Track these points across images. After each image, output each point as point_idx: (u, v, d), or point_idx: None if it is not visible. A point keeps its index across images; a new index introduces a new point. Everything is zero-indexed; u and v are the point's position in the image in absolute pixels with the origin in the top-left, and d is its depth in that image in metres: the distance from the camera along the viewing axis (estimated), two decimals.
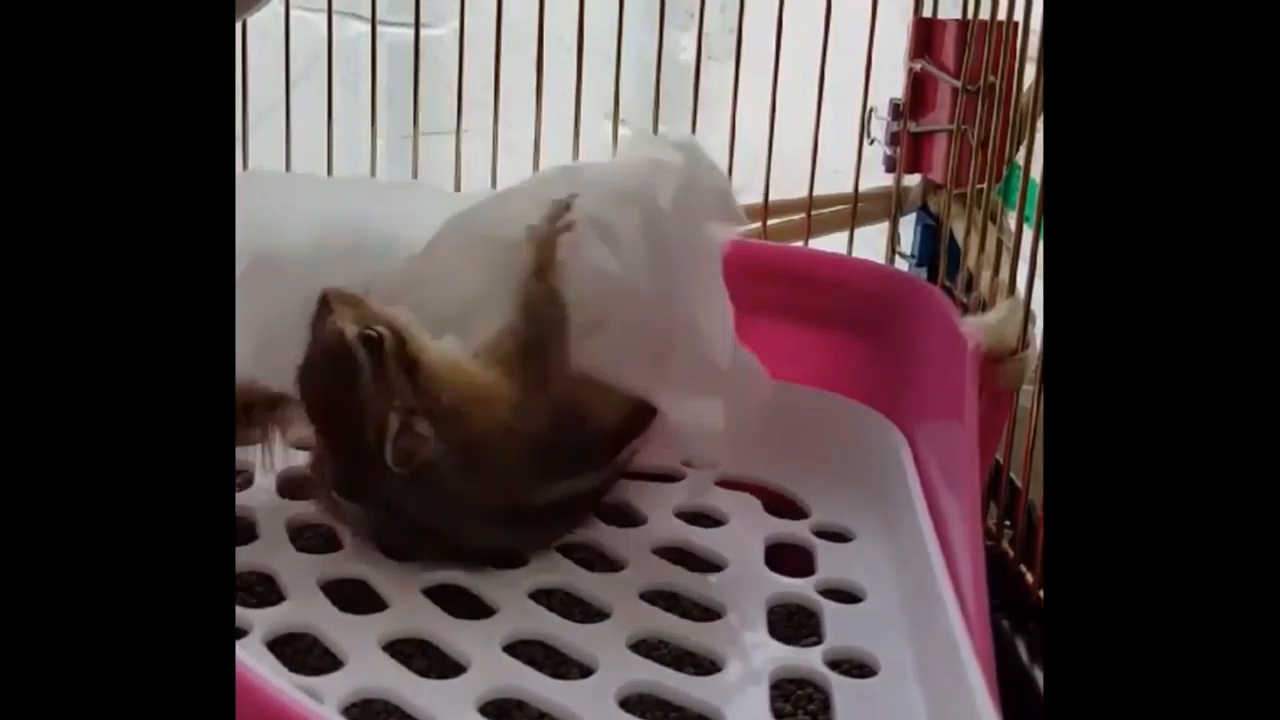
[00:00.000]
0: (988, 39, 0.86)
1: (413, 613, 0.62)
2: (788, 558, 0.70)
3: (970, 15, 0.87)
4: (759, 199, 0.91)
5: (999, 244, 0.83)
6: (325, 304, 0.63)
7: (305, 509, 0.69)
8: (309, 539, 0.68)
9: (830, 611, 0.64)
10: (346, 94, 0.91)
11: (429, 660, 0.59)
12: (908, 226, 0.98)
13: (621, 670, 0.58)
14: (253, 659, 0.54)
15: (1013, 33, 0.84)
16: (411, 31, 0.88)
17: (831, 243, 0.96)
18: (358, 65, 0.92)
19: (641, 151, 0.71)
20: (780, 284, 0.80)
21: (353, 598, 0.63)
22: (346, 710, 0.55)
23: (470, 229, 0.69)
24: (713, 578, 0.67)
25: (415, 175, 0.90)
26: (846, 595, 0.66)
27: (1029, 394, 0.74)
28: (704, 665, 0.60)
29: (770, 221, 0.94)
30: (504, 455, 0.64)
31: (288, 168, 0.89)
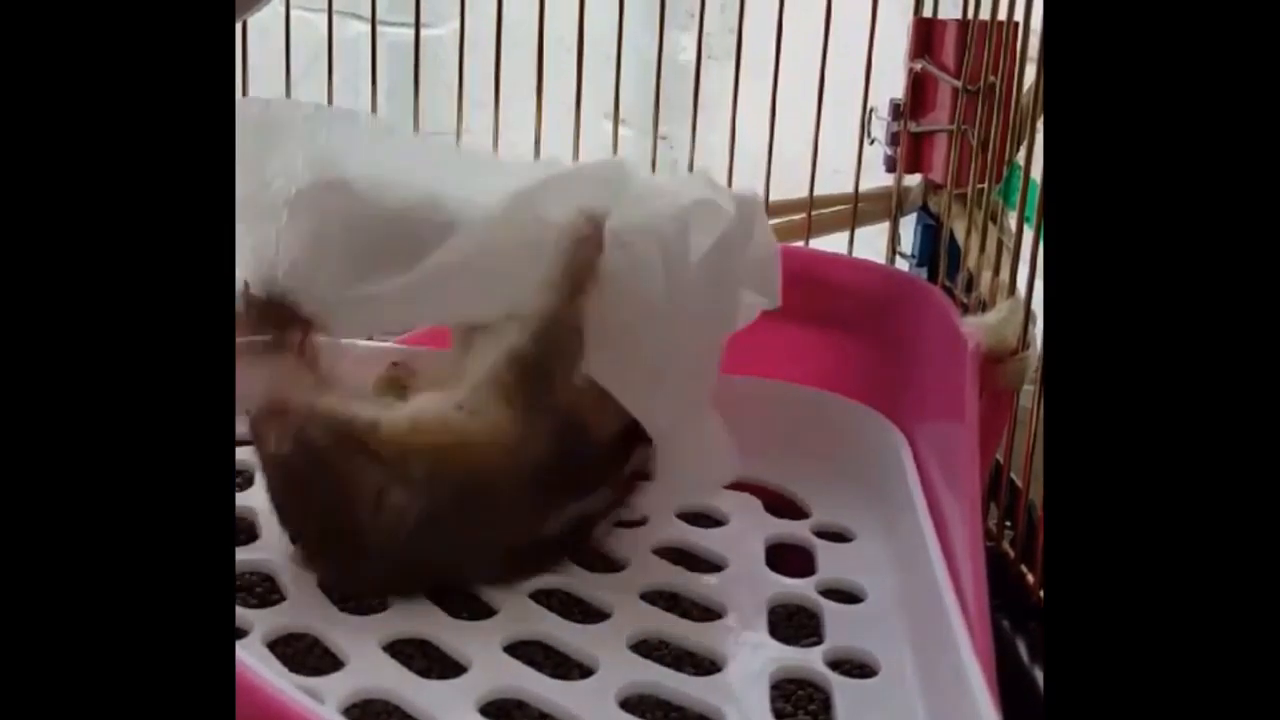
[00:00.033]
0: (988, 39, 0.86)
1: (413, 613, 0.62)
2: (788, 558, 0.70)
3: (970, 15, 0.87)
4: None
5: (999, 244, 0.83)
6: (256, 424, 0.62)
7: None
8: None
9: (830, 612, 0.64)
10: (346, 94, 0.91)
11: (429, 660, 0.59)
12: (908, 227, 0.98)
13: (622, 670, 0.58)
14: (253, 659, 0.54)
15: (1013, 33, 0.84)
16: (411, 31, 0.88)
17: (832, 243, 0.96)
18: (358, 65, 0.92)
19: (699, 190, 0.67)
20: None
21: (353, 598, 0.63)
22: (347, 710, 0.55)
23: (532, 206, 0.67)
24: (713, 578, 0.67)
25: None
26: (847, 595, 0.66)
27: (1029, 394, 0.74)
28: (704, 665, 0.60)
29: (770, 222, 0.93)
30: (504, 493, 0.62)
31: None
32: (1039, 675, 0.67)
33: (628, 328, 0.65)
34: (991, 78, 0.87)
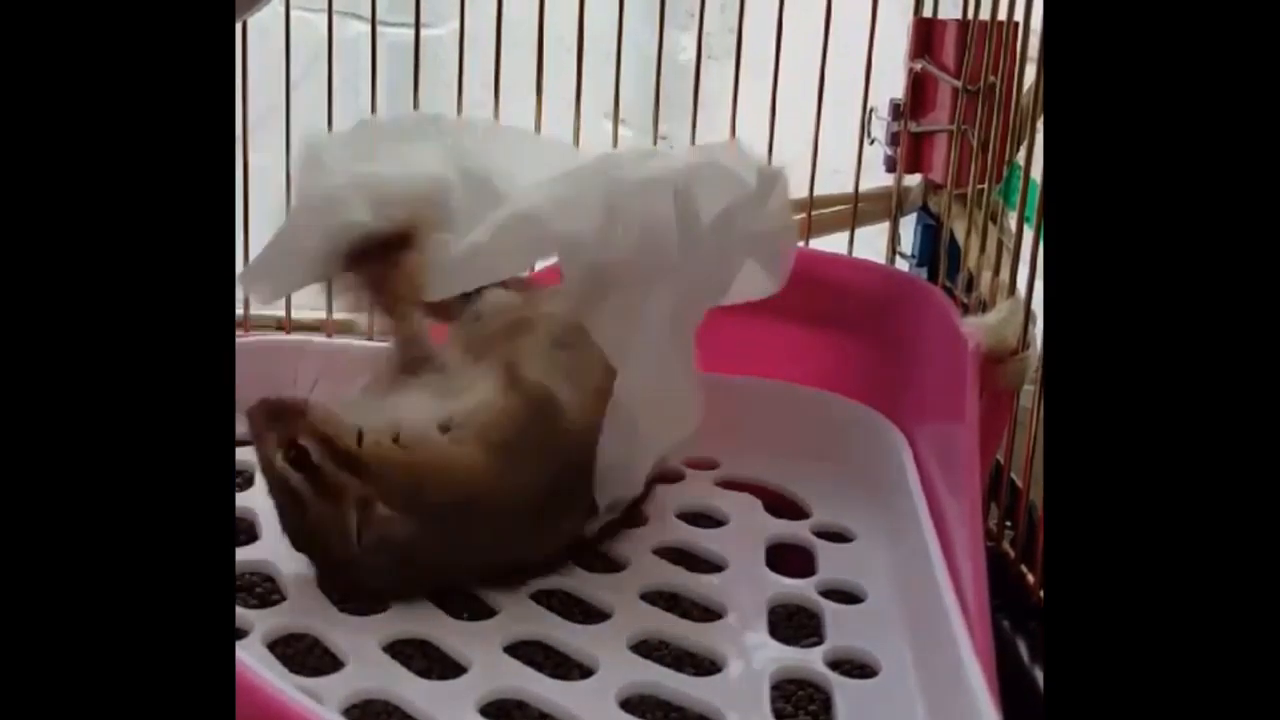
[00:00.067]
0: (988, 39, 0.86)
1: (413, 613, 0.62)
2: (788, 558, 0.70)
3: (970, 15, 0.87)
4: None
5: (999, 244, 0.83)
6: (253, 422, 0.62)
7: None
8: None
9: (831, 612, 0.64)
10: (346, 94, 0.91)
11: (429, 661, 0.59)
12: (908, 227, 0.98)
13: (622, 671, 0.58)
14: (253, 659, 0.54)
15: (1013, 33, 0.84)
16: (411, 31, 0.88)
17: (832, 243, 0.96)
18: (358, 65, 0.92)
19: (722, 156, 0.67)
20: None
21: (353, 598, 0.63)
22: (347, 711, 0.55)
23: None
24: (713, 578, 0.67)
25: None
26: (847, 596, 0.66)
27: (1029, 394, 0.74)
28: (704, 666, 0.60)
29: None
30: (489, 517, 0.62)
31: (288, 168, 0.89)
32: (1039, 675, 0.67)
33: (631, 278, 0.65)
34: (991, 78, 0.87)
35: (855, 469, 0.76)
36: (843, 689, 0.58)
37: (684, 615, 0.64)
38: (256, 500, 0.70)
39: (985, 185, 0.86)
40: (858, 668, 0.60)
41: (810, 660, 0.60)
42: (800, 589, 0.66)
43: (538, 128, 0.89)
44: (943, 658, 0.56)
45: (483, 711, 0.55)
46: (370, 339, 0.81)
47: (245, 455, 0.75)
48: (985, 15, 0.86)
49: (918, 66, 0.93)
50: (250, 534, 0.68)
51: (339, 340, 0.85)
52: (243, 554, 0.65)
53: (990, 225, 0.85)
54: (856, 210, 0.94)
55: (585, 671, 0.59)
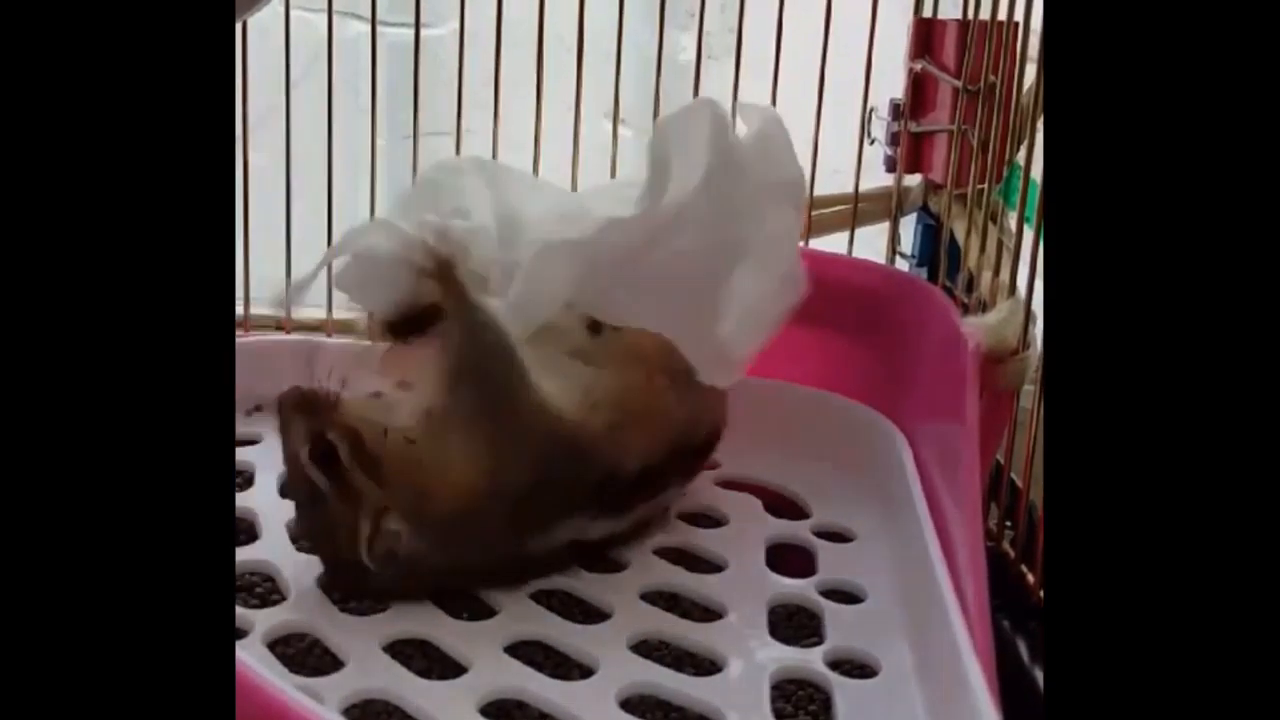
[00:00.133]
0: (988, 39, 0.86)
1: (413, 613, 0.62)
2: (788, 558, 0.70)
3: (970, 15, 0.87)
4: None
5: (999, 244, 0.83)
6: (282, 413, 0.62)
7: None
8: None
9: (831, 612, 0.64)
10: (346, 94, 0.91)
11: (429, 661, 0.59)
12: (908, 227, 0.98)
13: (622, 671, 0.58)
14: (253, 659, 0.54)
15: (1013, 33, 0.84)
16: (411, 31, 0.88)
17: (832, 243, 0.96)
18: (358, 65, 0.92)
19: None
20: None
21: (353, 598, 0.63)
22: (347, 711, 0.55)
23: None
24: (713, 578, 0.67)
25: (415, 175, 0.90)
26: (847, 596, 0.66)
27: (1029, 394, 0.74)
28: (705, 666, 0.60)
29: None
30: (480, 521, 0.62)
31: (288, 168, 0.89)
32: (1039, 675, 0.67)
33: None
34: (991, 78, 0.87)
35: (855, 469, 0.76)
36: (843, 689, 0.58)
37: (684, 615, 0.64)
38: (256, 500, 0.71)
39: (985, 185, 0.86)
40: (858, 668, 0.60)
41: (810, 660, 0.60)
42: (800, 589, 0.66)
43: (537, 127, 0.89)
44: (943, 658, 0.56)
45: (483, 711, 0.55)
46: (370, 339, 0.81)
47: (245, 455, 0.75)
48: (985, 15, 0.86)
49: (918, 66, 0.93)
50: (250, 534, 0.68)
51: (339, 340, 0.85)
52: (243, 554, 0.65)
53: (990, 225, 0.85)
54: (856, 210, 0.94)
55: (585, 671, 0.59)
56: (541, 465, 0.63)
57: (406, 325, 0.67)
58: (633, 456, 0.66)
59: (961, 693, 0.53)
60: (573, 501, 0.65)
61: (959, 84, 0.88)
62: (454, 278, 0.64)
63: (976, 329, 0.73)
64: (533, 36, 0.88)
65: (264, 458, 0.75)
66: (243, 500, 0.70)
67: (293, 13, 0.88)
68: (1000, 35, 0.86)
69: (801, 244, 0.93)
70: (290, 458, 0.62)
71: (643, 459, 0.67)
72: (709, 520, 0.73)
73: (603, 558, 0.67)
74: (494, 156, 0.89)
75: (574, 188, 0.90)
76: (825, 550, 0.70)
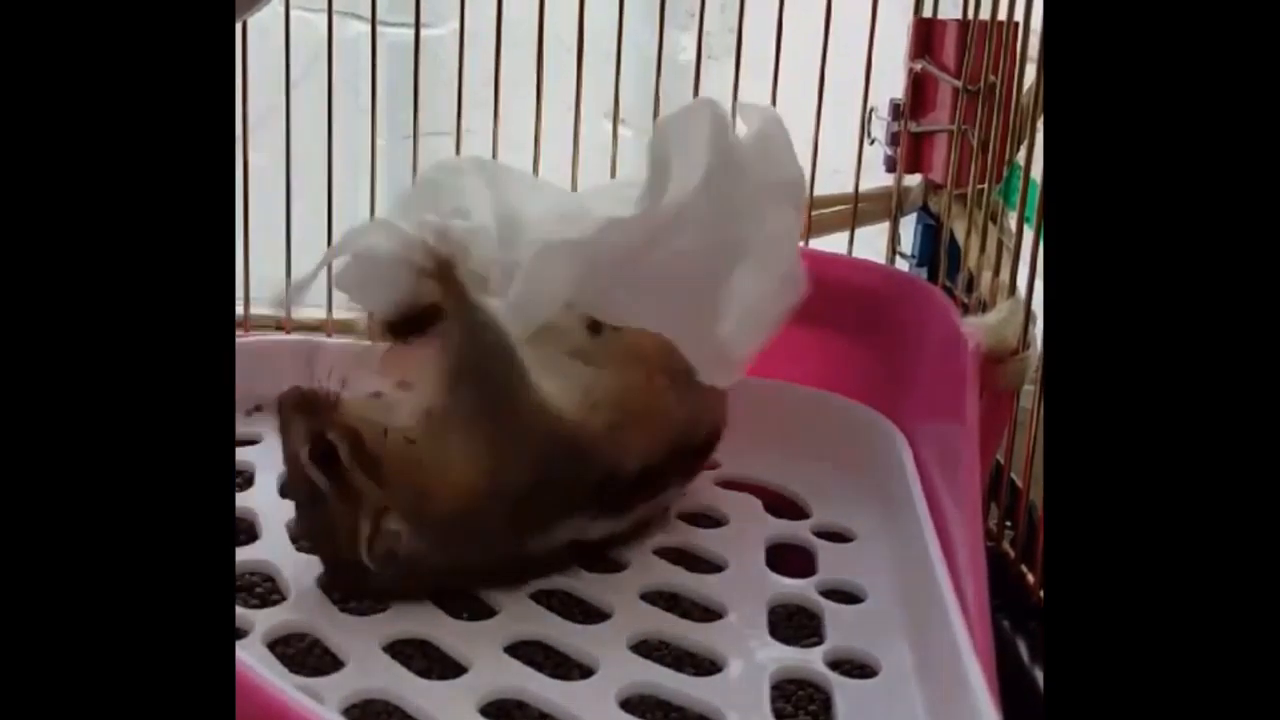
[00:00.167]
0: (988, 39, 0.86)
1: (413, 613, 0.62)
2: (788, 558, 0.70)
3: (970, 15, 0.87)
4: None
5: (999, 244, 0.83)
6: (282, 413, 0.61)
7: None
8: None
9: (831, 612, 0.64)
10: (346, 94, 0.91)
11: (429, 661, 0.59)
12: (908, 227, 0.98)
13: (622, 671, 0.58)
14: (253, 659, 0.54)
15: (1013, 33, 0.84)
16: (411, 31, 0.88)
17: (832, 243, 0.96)
18: (358, 65, 0.92)
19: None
20: None
21: (353, 598, 0.63)
22: (347, 711, 0.55)
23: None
24: (713, 578, 0.67)
25: (415, 175, 0.90)
26: (847, 596, 0.66)
27: (1029, 394, 0.74)
28: (704, 666, 0.60)
29: None
30: (480, 521, 0.62)
31: (288, 168, 0.89)
32: (1039, 675, 0.67)
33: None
34: (991, 78, 0.87)
35: (855, 469, 0.76)
36: (843, 689, 0.58)
37: (684, 615, 0.64)
38: (256, 500, 0.71)
39: (985, 185, 0.86)
40: (858, 668, 0.60)
41: (810, 660, 0.60)
42: (800, 589, 0.66)
43: (537, 127, 0.89)
44: (943, 658, 0.56)
45: (483, 711, 0.55)
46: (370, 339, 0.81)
47: (245, 455, 0.75)
48: (985, 15, 0.86)
49: (918, 66, 0.93)
50: (250, 534, 0.68)
51: (339, 340, 0.85)
52: (243, 554, 0.65)
53: (990, 225, 0.85)
54: (856, 210, 0.94)
55: (585, 671, 0.59)
56: (541, 465, 0.63)
57: (406, 325, 0.67)
58: (633, 456, 0.66)
59: (961, 693, 0.53)
60: (573, 501, 0.65)
61: (959, 84, 0.88)
62: (454, 278, 0.64)
63: (976, 329, 0.73)
64: (533, 36, 0.88)
65: (264, 458, 0.75)
66: (243, 500, 0.70)
67: (293, 13, 0.88)
68: (1000, 35, 0.86)
69: (801, 244, 0.93)
70: (290, 458, 0.62)
71: (643, 459, 0.67)
72: (709, 520, 0.73)
73: (603, 558, 0.67)
74: (494, 156, 0.89)
75: (574, 188, 0.90)
76: (825, 550, 0.70)
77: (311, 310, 0.91)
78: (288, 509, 0.70)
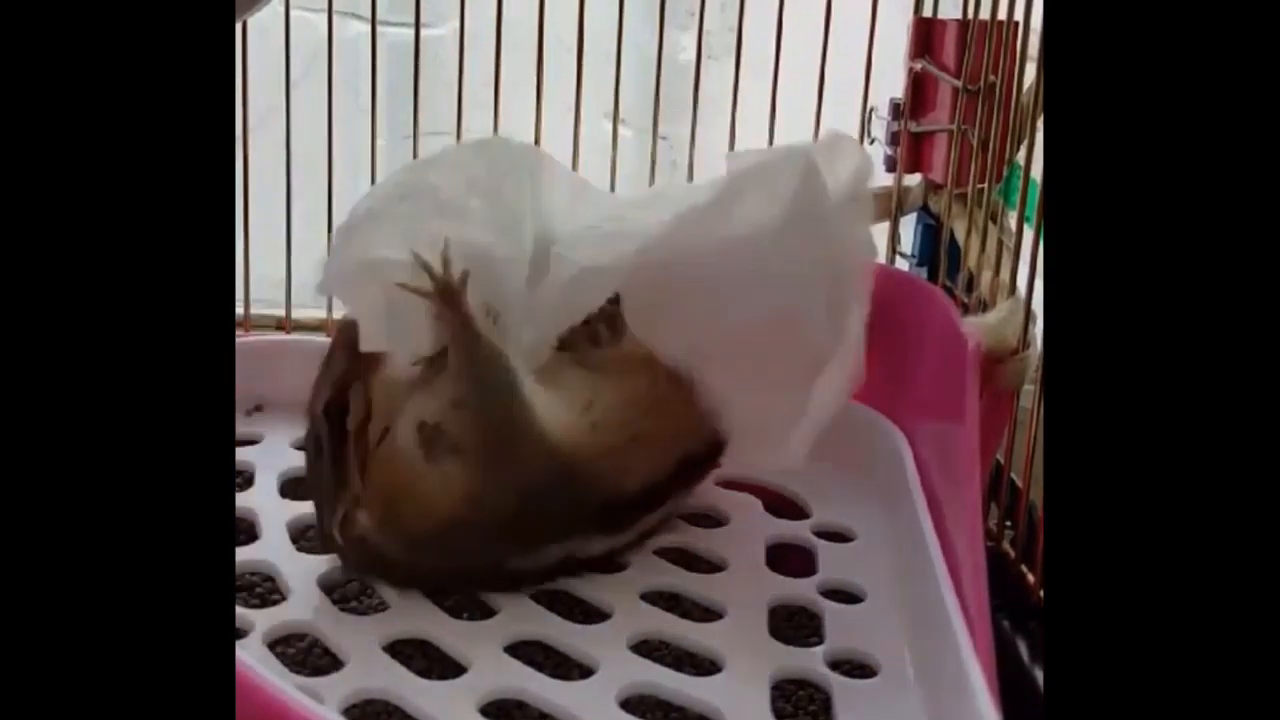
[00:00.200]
0: (988, 39, 0.86)
1: (413, 613, 0.62)
2: (788, 558, 0.70)
3: (970, 15, 0.87)
4: None
5: (999, 244, 0.83)
6: (335, 340, 0.61)
7: (306, 509, 0.69)
8: (310, 539, 0.68)
9: (831, 612, 0.64)
10: (346, 94, 0.91)
11: (429, 661, 0.59)
12: (908, 226, 0.98)
13: (622, 671, 0.58)
14: (253, 659, 0.54)
15: (1013, 33, 0.84)
16: (411, 31, 0.88)
17: None
18: (358, 65, 0.92)
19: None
20: None
21: (353, 598, 0.63)
22: (347, 710, 0.55)
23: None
24: (713, 578, 0.67)
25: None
26: (847, 595, 0.66)
27: (1029, 394, 0.74)
28: (705, 666, 0.60)
29: None
30: (456, 539, 0.62)
31: (288, 168, 0.89)
32: (1039, 675, 0.67)
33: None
34: (991, 78, 0.87)
35: (855, 469, 0.76)
36: (843, 689, 0.58)
37: (684, 615, 0.64)
38: (256, 500, 0.71)
39: (985, 185, 0.86)
40: (858, 668, 0.60)
41: (810, 660, 0.60)
42: (800, 589, 0.66)
43: (538, 128, 0.89)
44: (943, 658, 0.56)
45: (483, 711, 0.55)
46: None
47: (245, 455, 0.75)
48: (985, 15, 0.86)
49: (918, 66, 0.93)
50: (250, 534, 0.68)
51: None
52: (243, 554, 0.65)
53: (990, 225, 0.85)
54: None
55: (585, 671, 0.59)
56: (529, 494, 0.62)
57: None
58: (634, 477, 0.66)
59: (961, 693, 0.53)
60: (568, 525, 0.64)
61: (959, 84, 0.88)
62: (460, 307, 0.62)
63: (976, 329, 0.73)
64: (533, 36, 0.88)
65: (264, 458, 0.75)
66: (243, 500, 0.70)
67: (293, 13, 0.88)
68: (1000, 35, 0.86)
69: None
70: (312, 398, 0.62)
71: (645, 478, 0.66)
72: (709, 520, 0.73)
73: (604, 568, 0.67)
74: None
75: None
76: (825, 550, 0.70)
77: (312, 310, 0.91)
78: (288, 509, 0.70)
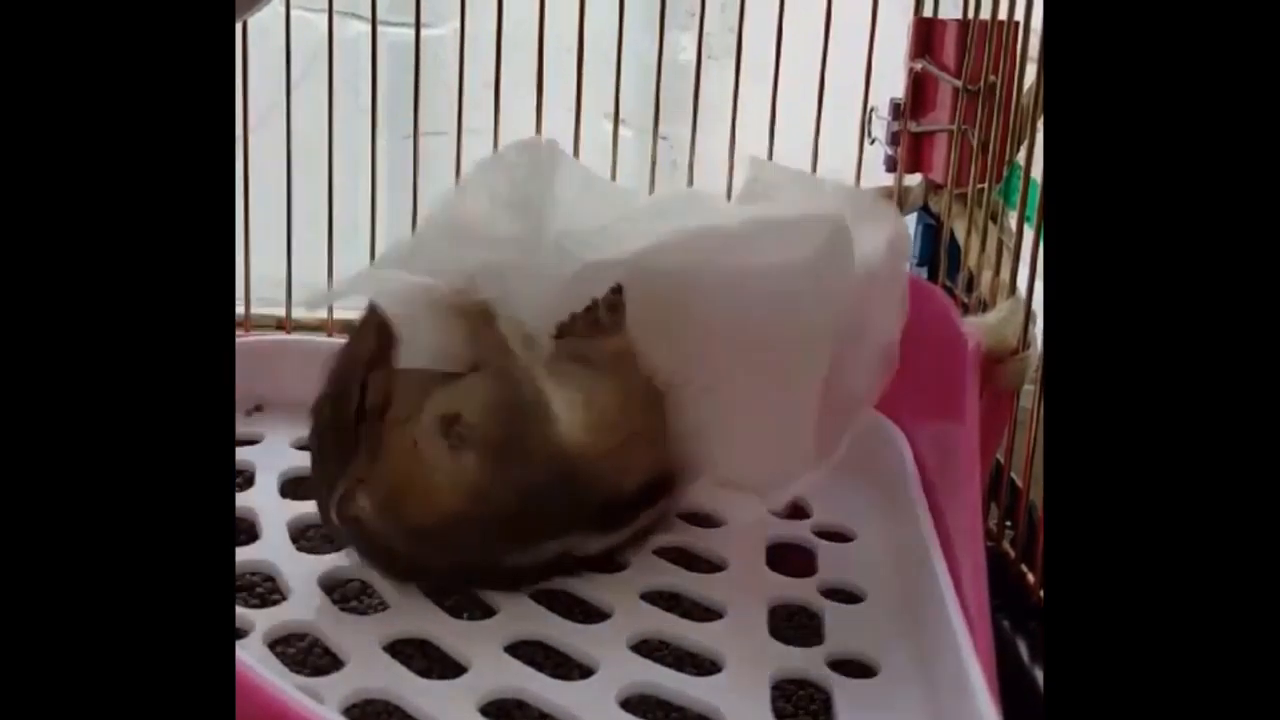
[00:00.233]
0: (988, 39, 0.86)
1: (413, 613, 0.62)
2: (788, 558, 0.70)
3: (970, 15, 0.87)
4: None
5: (999, 244, 0.83)
6: (366, 315, 0.61)
7: (306, 509, 0.69)
8: (310, 539, 0.68)
9: (831, 612, 0.64)
10: (346, 94, 0.91)
11: (429, 660, 0.59)
12: (908, 226, 0.98)
13: (622, 671, 0.58)
14: (253, 659, 0.54)
15: (1013, 33, 0.84)
16: (412, 31, 0.88)
17: None
18: (358, 65, 0.92)
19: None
20: None
21: (353, 598, 0.63)
22: (347, 710, 0.55)
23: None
24: (713, 578, 0.67)
25: (415, 175, 0.90)
26: (847, 595, 0.66)
27: (1029, 394, 0.74)
28: (705, 666, 0.60)
29: None
30: (452, 536, 0.62)
31: (288, 168, 0.89)
32: (1039, 675, 0.67)
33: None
34: (991, 78, 0.87)
35: (855, 469, 0.76)
36: (843, 689, 0.58)
37: (684, 615, 0.64)
38: (256, 500, 0.71)
39: (985, 185, 0.86)
40: (858, 668, 0.60)
41: (810, 660, 0.60)
42: (800, 589, 0.66)
43: (538, 128, 0.89)
44: (943, 658, 0.56)
45: (483, 711, 0.55)
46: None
47: (245, 455, 0.75)
48: (985, 15, 0.86)
49: (918, 66, 0.93)
50: (250, 534, 0.68)
51: (340, 340, 0.85)
52: (243, 554, 0.65)
53: (990, 225, 0.85)
54: None
55: (585, 671, 0.59)
56: (532, 494, 0.62)
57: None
58: (634, 475, 0.66)
59: (961, 693, 0.53)
60: (569, 524, 0.64)
61: (959, 84, 0.88)
62: (493, 327, 0.64)
63: (976, 329, 0.73)
64: (533, 37, 0.88)
65: (264, 458, 0.75)
66: (243, 500, 0.70)
67: (293, 13, 0.88)
68: (1000, 35, 0.86)
69: None
70: (336, 374, 0.62)
71: (644, 475, 0.66)
72: (709, 520, 0.73)
73: (603, 566, 0.67)
74: None
75: None
76: (825, 550, 0.70)
77: (312, 311, 0.91)
78: (288, 509, 0.70)
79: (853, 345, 0.67)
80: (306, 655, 0.59)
